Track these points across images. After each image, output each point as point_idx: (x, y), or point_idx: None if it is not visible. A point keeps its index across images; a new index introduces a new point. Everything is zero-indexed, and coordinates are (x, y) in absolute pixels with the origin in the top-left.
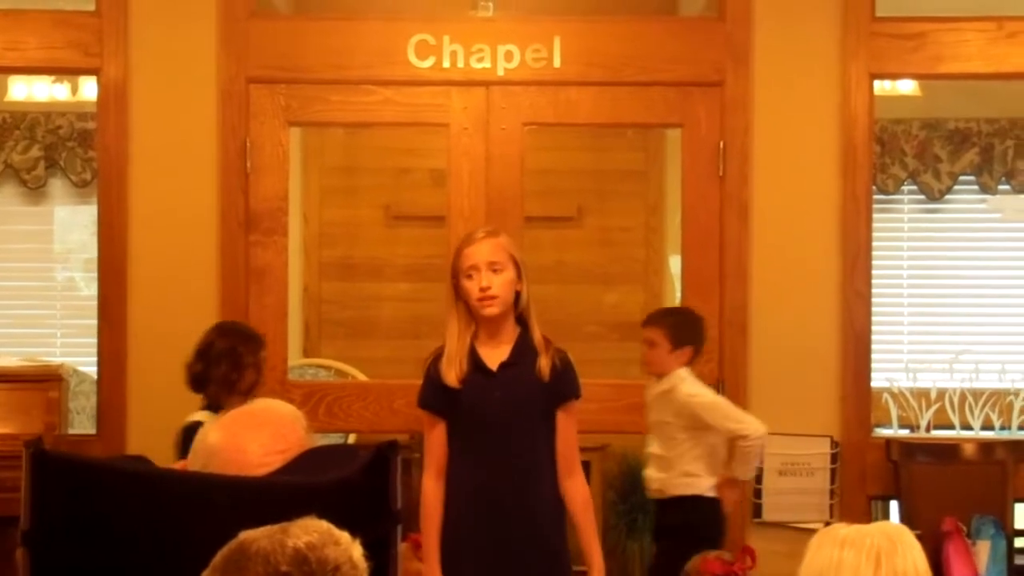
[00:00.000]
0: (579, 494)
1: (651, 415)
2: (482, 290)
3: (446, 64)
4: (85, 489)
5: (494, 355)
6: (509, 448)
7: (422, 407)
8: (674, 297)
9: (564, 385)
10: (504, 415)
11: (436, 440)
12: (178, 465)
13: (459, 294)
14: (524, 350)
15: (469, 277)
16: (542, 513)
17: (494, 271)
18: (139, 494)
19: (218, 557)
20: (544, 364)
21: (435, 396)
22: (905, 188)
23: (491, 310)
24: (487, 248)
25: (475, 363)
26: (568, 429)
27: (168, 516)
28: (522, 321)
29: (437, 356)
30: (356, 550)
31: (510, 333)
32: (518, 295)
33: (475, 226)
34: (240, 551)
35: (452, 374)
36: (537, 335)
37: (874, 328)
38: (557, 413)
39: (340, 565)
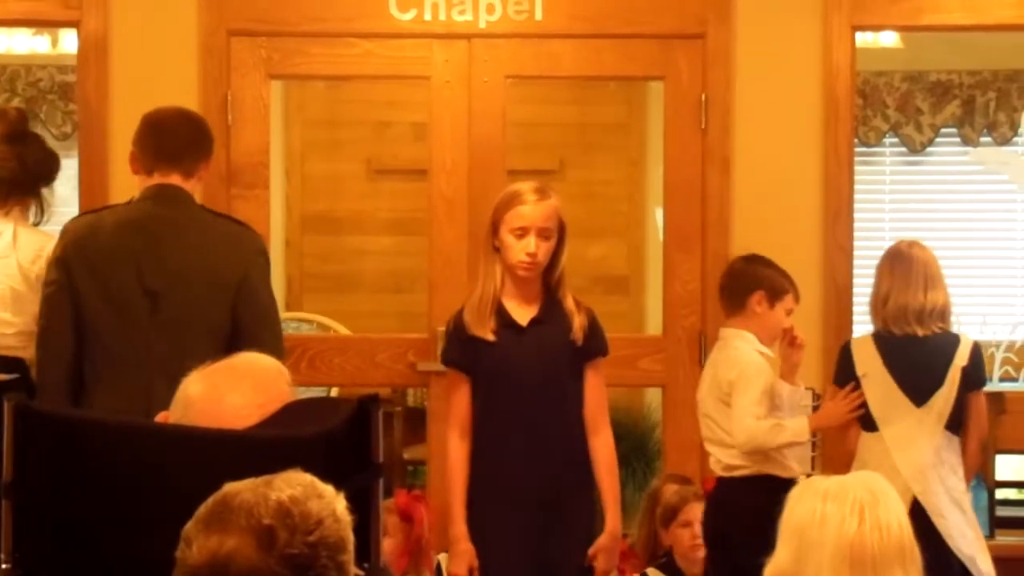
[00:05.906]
0: (604, 453)
1: None
2: (529, 255)
3: (427, 17)
4: (66, 441)
5: (522, 312)
6: (537, 406)
7: (446, 364)
8: (657, 250)
9: (592, 342)
10: (534, 372)
11: (461, 398)
12: (160, 416)
13: (495, 245)
14: (552, 309)
15: (519, 236)
16: (569, 472)
17: (544, 238)
18: (121, 446)
19: (201, 509)
20: (579, 328)
21: (461, 352)
22: (887, 140)
23: (529, 274)
24: (543, 212)
25: (503, 318)
26: (596, 387)
27: (150, 468)
28: (547, 282)
29: (461, 311)
30: (340, 503)
31: (537, 292)
32: (553, 258)
33: (457, 180)
34: (223, 504)
35: (485, 326)
36: (569, 299)
37: (856, 281)
38: (586, 371)
39: (323, 518)
